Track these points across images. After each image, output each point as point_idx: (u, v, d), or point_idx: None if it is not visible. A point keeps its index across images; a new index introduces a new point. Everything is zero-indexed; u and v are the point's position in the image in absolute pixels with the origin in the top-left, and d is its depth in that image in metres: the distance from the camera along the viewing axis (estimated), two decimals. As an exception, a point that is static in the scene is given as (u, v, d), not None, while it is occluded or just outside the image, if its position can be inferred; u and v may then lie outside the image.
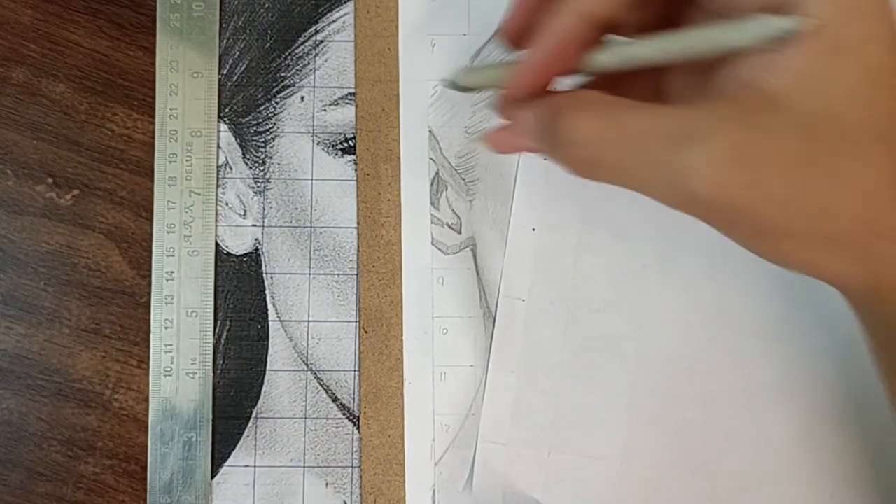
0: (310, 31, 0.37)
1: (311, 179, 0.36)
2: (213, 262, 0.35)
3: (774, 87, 0.22)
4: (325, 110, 0.36)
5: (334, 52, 0.37)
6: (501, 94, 0.26)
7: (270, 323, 0.36)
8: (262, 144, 0.36)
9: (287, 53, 0.37)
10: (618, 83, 0.25)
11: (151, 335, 0.35)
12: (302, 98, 0.36)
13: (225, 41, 0.37)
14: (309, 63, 0.37)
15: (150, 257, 0.35)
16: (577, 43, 0.23)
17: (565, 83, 0.25)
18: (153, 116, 0.36)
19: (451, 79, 0.28)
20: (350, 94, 0.36)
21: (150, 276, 0.35)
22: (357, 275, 0.36)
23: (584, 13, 0.23)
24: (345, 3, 0.37)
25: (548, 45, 0.23)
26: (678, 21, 0.26)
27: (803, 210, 0.22)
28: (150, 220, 0.36)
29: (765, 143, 0.21)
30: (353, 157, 0.36)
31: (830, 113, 0.22)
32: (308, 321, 0.36)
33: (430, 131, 0.36)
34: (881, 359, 0.27)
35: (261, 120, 0.36)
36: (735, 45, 0.21)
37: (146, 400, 0.35)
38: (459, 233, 0.36)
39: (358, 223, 0.36)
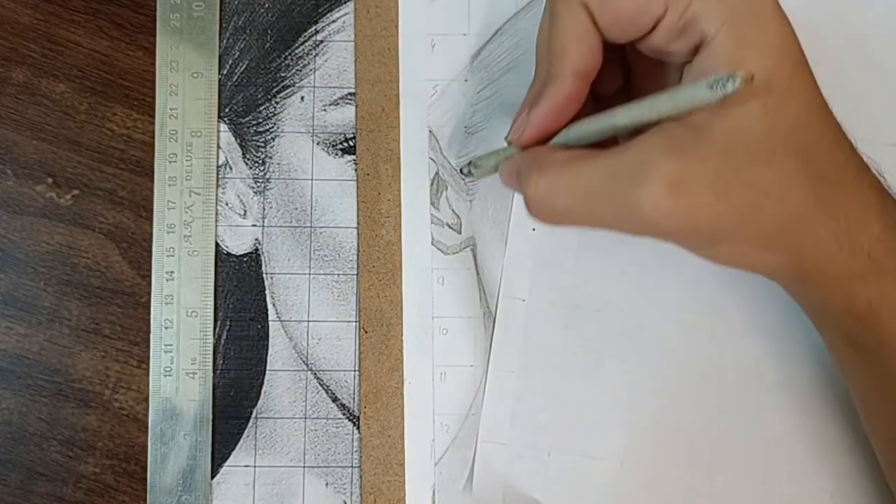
0: (310, 31, 0.37)
1: (311, 179, 0.36)
2: (213, 262, 0.35)
3: (695, 117, 0.25)
4: (325, 110, 0.36)
5: (334, 52, 0.37)
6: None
7: (270, 323, 0.36)
8: (262, 144, 0.36)
9: (287, 53, 0.37)
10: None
11: (151, 335, 0.35)
12: (302, 98, 0.36)
13: (225, 41, 0.37)
14: (309, 63, 0.37)
15: (150, 257, 0.35)
16: (575, 98, 0.27)
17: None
18: (153, 116, 0.36)
19: (474, 168, 0.33)
20: (350, 94, 0.36)
21: (150, 276, 0.35)
22: (357, 275, 0.36)
23: (573, 70, 0.27)
24: (345, 3, 0.37)
25: (553, 104, 0.27)
26: (638, 73, 0.30)
27: (735, 220, 0.25)
28: (150, 220, 0.36)
29: (694, 169, 0.25)
30: (353, 157, 0.36)
31: (742, 133, 0.25)
32: (308, 321, 0.36)
33: (430, 131, 0.36)
34: (817, 327, 0.31)
35: (261, 120, 0.36)
36: (694, 105, 0.24)
37: (146, 400, 0.35)
38: (459, 233, 0.36)
39: (358, 223, 0.36)
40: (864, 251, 0.27)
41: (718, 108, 0.25)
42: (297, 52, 0.37)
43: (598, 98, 0.30)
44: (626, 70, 0.31)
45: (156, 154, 0.36)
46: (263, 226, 0.36)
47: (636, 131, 0.27)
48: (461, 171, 0.34)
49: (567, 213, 0.27)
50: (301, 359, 0.35)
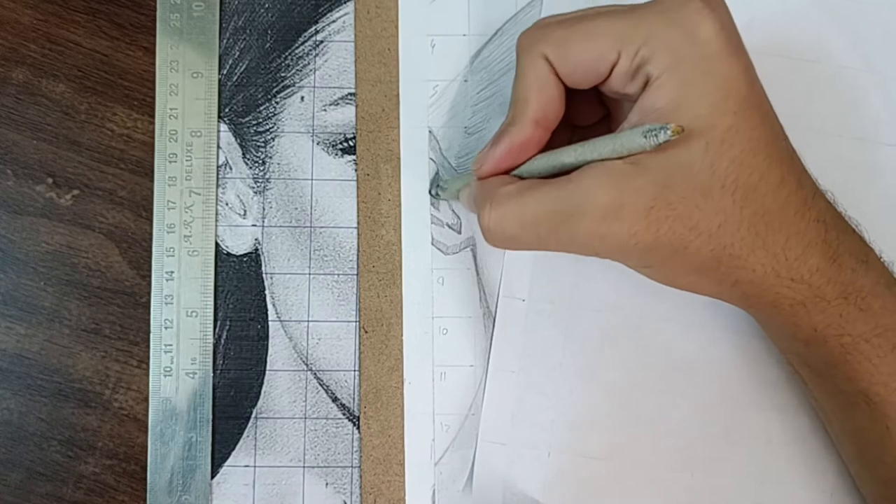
0: (310, 31, 0.37)
1: (311, 179, 0.36)
2: (213, 262, 0.35)
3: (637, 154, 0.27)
4: (325, 110, 0.36)
5: (334, 52, 0.37)
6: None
7: (270, 323, 0.36)
8: (262, 144, 0.36)
9: (287, 53, 0.37)
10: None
11: (151, 335, 0.35)
12: (302, 98, 0.36)
13: (225, 41, 0.37)
14: (309, 63, 0.37)
15: (150, 257, 0.35)
16: (532, 142, 0.29)
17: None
18: (153, 116, 0.36)
19: (440, 191, 0.35)
20: (350, 94, 0.36)
21: (150, 276, 0.35)
22: (357, 275, 0.36)
23: (532, 118, 0.29)
24: (345, 3, 0.37)
25: (510, 146, 0.29)
26: (612, 109, 0.32)
27: (665, 250, 0.27)
28: (150, 220, 0.36)
29: (628, 200, 0.26)
30: (353, 157, 0.36)
31: (679, 170, 0.26)
32: (308, 321, 0.36)
33: (430, 131, 0.36)
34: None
35: (261, 120, 0.36)
36: (633, 149, 0.26)
37: (146, 400, 0.35)
38: (459, 233, 0.36)
39: (358, 223, 0.36)
40: (804, 281, 0.28)
41: (662, 146, 0.26)
42: (297, 52, 0.37)
43: (578, 129, 0.32)
44: (604, 103, 0.32)
45: (156, 154, 0.36)
46: (263, 226, 0.36)
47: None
48: (429, 191, 0.36)
49: (516, 239, 0.29)
50: (301, 359, 0.35)
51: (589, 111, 0.32)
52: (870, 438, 0.30)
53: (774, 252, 0.27)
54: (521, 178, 0.30)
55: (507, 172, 0.30)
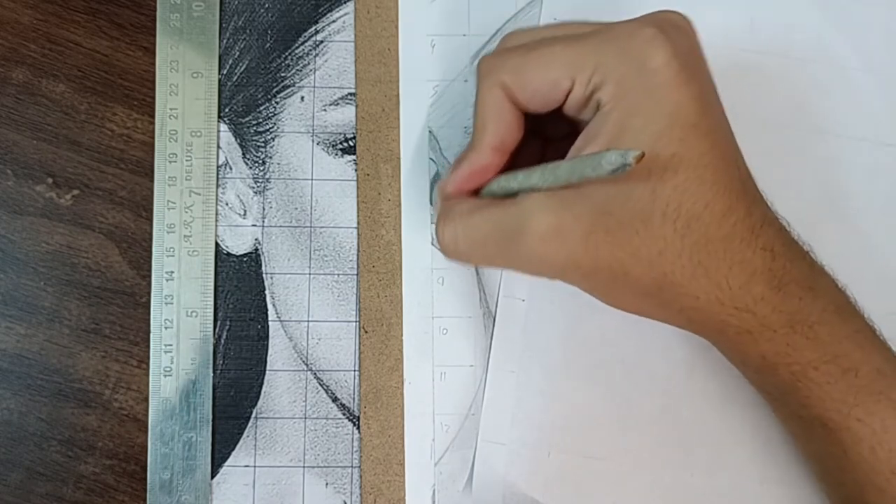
0: (310, 31, 0.37)
1: (311, 179, 0.36)
2: (213, 262, 0.35)
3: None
4: (325, 110, 0.36)
5: (334, 52, 0.37)
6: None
7: (270, 323, 0.36)
8: (262, 144, 0.36)
9: (287, 53, 0.37)
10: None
11: (151, 335, 0.35)
12: (302, 98, 0.36)
13: (225, 41, 0.37)
14: (309, 63, 0.37)
15: (150, 257, 0.35)
16: (490, 166, 0.30)
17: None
18: (153, 116, 0.36)
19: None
20: (350, 94, 0.36)
21: (150, 276, 0.35)
22: (357, 275, 0.36)
23: (490, 144, 0.29)
24: (345, 3, 0.37)
25: (470, 170, 0.30)
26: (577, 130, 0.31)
27: (605, 275, 0.27)
28: (150, 220, 0.36)
29: (568, 224, 0.26)
30: (353, 157, 0.36)
31: (620, 198, 0.26)
32: (308, 321, 0.36)
33: (430, 131, 0.36)
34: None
35: (261, 120, 0.36)
36: (591, 176, 0.26)
37: (146, 400, 0.35)
38: (459, 233, 0.36)
39: (358, 223, 0.36)
40: (749, 310, 0.27)
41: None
42: (297, 52, 0.37)
43: (549, 139, 0.32)
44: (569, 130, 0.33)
45: (156, 154, 0.36)
46: (263, 226, 0.36)
47: None
48: (430, 201, 0.36)
49: (467, 255, 0.30)
50: (301, 359, 0.35)
51: (557, 125, 0.32)
52: (829, 462, 0.30)
53: (717, 281, 0.27)
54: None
55: (472, 194, 0.31)
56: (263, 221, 0.36)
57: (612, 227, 0.26)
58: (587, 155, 0.26)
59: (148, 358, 0.35)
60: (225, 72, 0.36)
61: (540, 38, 0.29)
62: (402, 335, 0.35)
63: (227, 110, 0.36)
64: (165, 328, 0.35)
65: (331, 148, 0.36)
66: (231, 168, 0.36)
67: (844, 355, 0.28)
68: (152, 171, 0.36)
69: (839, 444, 0.28)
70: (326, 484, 0.35)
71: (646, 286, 0.27)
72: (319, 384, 0.35)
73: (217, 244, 0.36)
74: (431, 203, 0.36)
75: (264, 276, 0.36)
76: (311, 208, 0.36)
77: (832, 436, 0.28)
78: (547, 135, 0.32)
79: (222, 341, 0.35)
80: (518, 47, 0.29)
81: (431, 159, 0.36)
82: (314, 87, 0.37)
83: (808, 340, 0.28)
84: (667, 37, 0.27)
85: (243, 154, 0.36)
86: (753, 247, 0.27)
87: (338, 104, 0.36)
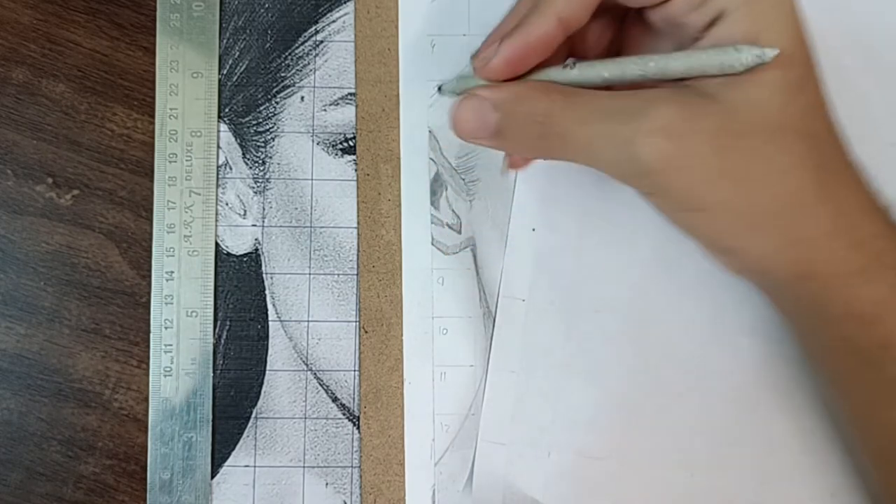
0: (310, 31, 0.37)
1: (311, 179, 0.36)
2: (213, 262, 0.35)
3: (705, 84, 0.25)
4: (325, 110, 0.36)
5: (334, 52, 0.37)
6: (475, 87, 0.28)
7: (270, 323, 0.36)
8: (262, 144, 0.36)
9: (287, 53, 0.37)
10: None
11: (151, 335, 0.35)
12: (302, 98, 0.36)
13: (225, 41, 0.37)
14: (309, 63, 0.37)
15: (150, 257, 0.35)
16: (549, 41, 0.26)
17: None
18: (153, 116, 0.36)
19: (444, 86, 0.30)
20: (350, 94, 0.36)
21: (150, 276, 0.35)
22: (357, 275, 0.36)
23: (557, 13, 0.26)
24: (345, 3, 0.37)
25: (527, 40, 0.26)
26: (627, 42, 0.29)
27: (729, 184, 0.25)
28: (150, 220, 0.36)
29: (695, 120, 0.24)
30: (353, 157, 0.36)
31: (752, 104, 0.25)
32: (308, 321, 0.36)
33: (430, 131, 0.36)
34: (806, 344, 0.30)
35: (261, 120, 0.36)
36: (715, 71, 0.24)
37: (146, 400, 0.35)
38: (459, 233, 0.36)
39: (358, 223, 0.36)
40: (864, 246, 0.26)
41: (731, 78, 0.25)
42: (297, 52, 0.37)
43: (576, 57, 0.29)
44: (614, 37, 0.30)
45: (156, 154, 0.36)
46: (263, 226, 0.36)
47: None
48: (438, 88, 0.31)
49: (567, 141, 0.26)
50: (301, 359, 0.35)
51: (596, 38, 0.29)
52: (883, 393, 0.28)
53: (838, 208, 0.26)
54: None
55: (512, 79, 0.27)
56: (263, 221, 0.36)
57: (745, 133, 0.25)
58: (713, 48, 0.24)
59: (148, 358, 0.35)
60: (225, 72, 0.36)
61: None
62: (402, 335, 0.35)
63: (227, 110, 0.36)
64: (165, 328, 0.35)
65: (331, 148, 0.36)
66: (231, 168, 0.36)
67: None
68: (152, 171, 0.36)
69: None
70: (326, 484, 0.35)
71: (766, 207, 0.25)
72: (319, 384, 0.35)
73: (217, 244, 0.36)
74: (432, 204, 0.36)
75: (264, 276, 0.36)
76: (311, 208, 0.36)
77: None
78: (574, 51, 0.29)
79: (222, 341, 0.35)
80: None
81: (431, 159, 0.36)
82: (314, 87, 0.36)
83: None
84: None
85: (243, 154, 0.36)
86: (864, 184, 0.27)
87: (338, 104, 0.36)
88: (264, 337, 0.36)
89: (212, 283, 0.35)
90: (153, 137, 0.36)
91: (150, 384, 0.35)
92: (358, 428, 0.35)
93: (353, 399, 0.35)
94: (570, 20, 0.26)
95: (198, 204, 0.36)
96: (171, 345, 0.35)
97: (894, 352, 0.27)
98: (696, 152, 0.25)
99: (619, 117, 0.25)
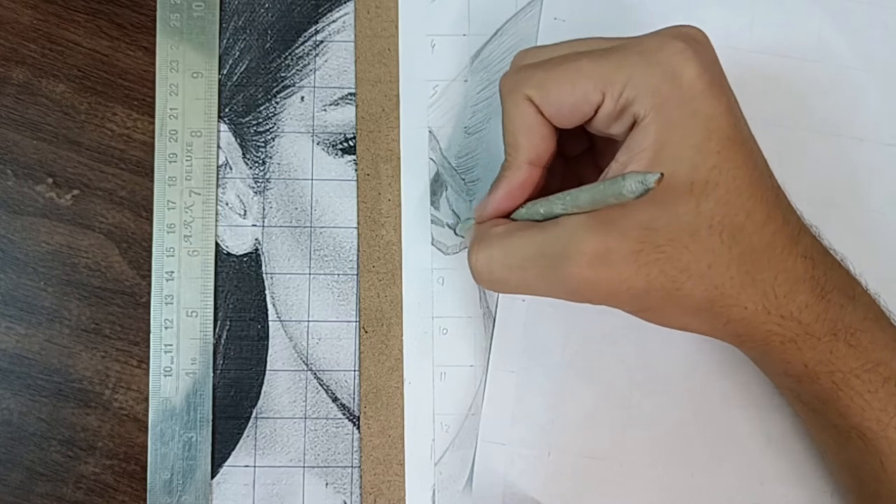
0: (310, 31, 0.37)
1: (311, 179, 0.36)
2: (213, 262, 0.35)
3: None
4: (325, 110, 0.36)
5: (334, 52, 0.37)
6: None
7: (270, 323, 0.36)
8: (262, 144, 0.36)
9: (287, 53, 0.37)
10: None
11: (151, 335, 0.35)
12: (302, 98, 0.36)
13: (225, 41, 0.37)
14: (309, 63, 0.37)
15: (150, 257, 0.35)
16: (528, 182, 0.29)
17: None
18: (153, 116, 0.36)
19: (457, 228, 0.36)
20: (350, 94, 0.36)
21: (150, 276, 0.35)
22: (357, 275, 0.36)
23: (526, 160, 0.29)
24: (345, 3, 0.37)
25: (508, 189, 0.30)
26: (596, 143, 0.32)
27: (657, 293, 0.27)
28: (150, 220, 0.36)
29: (615, 244, 0.26)
30: (353, 157, 0.36)
31: (664, 216, 0.26)
32: (308, 321, 0.36)
33: (430, 131, 0.36)
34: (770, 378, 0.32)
35: (261, 120, 0.36)
36: (613, 202, 0.25)
37: (146, 400, 0.35)
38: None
39: (358, 223, 0.36)
40: (793, 318, 0.28)
41: (649, 195, 0.26)
42: (297, 52, 0.37)
43: (567, 157, 0.32)
44: (590, 142, 0.32)
45: (156, 154, 0.36)
46: (263, 226, 0.36)
47: None
48: (453, 230, 0.36)
49: (504, 282, 0.29)
50: (301, 359, 0.35)
51: (575, 143, 0.32)
52: (864, 473, 0.30)
53: (764, 290, 0.27)
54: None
55: (508, 216, 0.30)
56: (263, 221, 0.36)
57: (662, 243, 0.26)
58: (606, 181, 0.26)
59: (148, 358, 0.35)
60: (225, 72, 0.36)
61: (562, 54, 0.29)
62: (402, 335, 0.35)
63: (227, 110, 0.36)
64: (165, 328, 0.35)
65: (331, 148, 0.36)
66: (231, 168, 0.36)
67: (885, 363, 0.28)
68: (152, 171, 0.36)
69: (876, 455, 0.28)
70: (326, 484, 0.35)
71: (697, 301, 0.27)
72: (319, 384, 0.35)
73: (217, 244, 0.36)
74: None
75: (264, 276, 0.36)
76: (311, 208, 0.36)
77: (870, 446, 0.29)
78: (563, 153, 0.32)
79: (222, 341, 0.35)
80: (540, 63, 0.29)
81: (431, 159, 0.36)
82: (314, 87, 0.36)
83: (851, 348, 0.28)
84: (694, 50, 0.27)
85: (243, 154, 0.36)
86: (794, 255, 0.28)
87: (338, 104, 0.36)
88: (264, 337, 0.36)
89: (212, 283, 0.35)
90: (153, 137, 0.36)
91: (150, 384, 0.35)
92: (358, 428, 0.35)
93: (353, 399, 0.35)
94: (539, 158, 0.29)
95: (198, 204, 0.36)
96: (171, 345, 0.35)
97: (833, 405, 0.29)
98: (621, 274, 0.26)
99: (546, 256, 0.27)
